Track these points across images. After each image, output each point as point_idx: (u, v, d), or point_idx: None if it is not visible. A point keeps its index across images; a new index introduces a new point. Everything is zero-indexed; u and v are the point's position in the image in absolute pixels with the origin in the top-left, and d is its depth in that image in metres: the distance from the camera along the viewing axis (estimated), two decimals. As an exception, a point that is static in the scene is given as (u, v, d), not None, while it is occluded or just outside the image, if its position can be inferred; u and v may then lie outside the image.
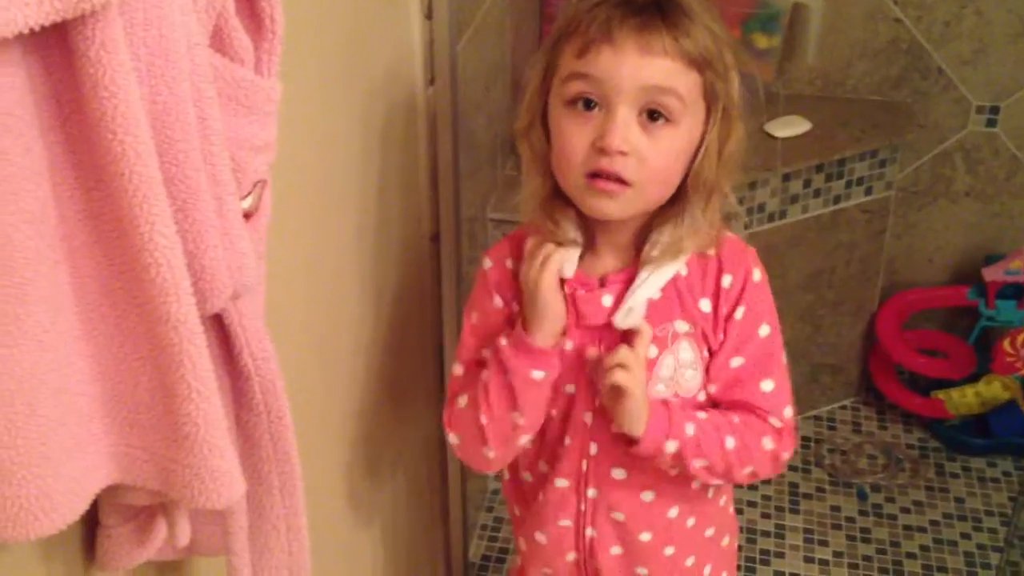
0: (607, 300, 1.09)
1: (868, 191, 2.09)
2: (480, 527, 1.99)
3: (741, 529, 1.99)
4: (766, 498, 2.08)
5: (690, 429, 1.08)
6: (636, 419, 1.06)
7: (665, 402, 1.09)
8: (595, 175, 1.01)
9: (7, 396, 0.51)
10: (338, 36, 1.06)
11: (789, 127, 2.01)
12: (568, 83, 1.01)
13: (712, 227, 1.08)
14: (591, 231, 1.09)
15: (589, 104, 1.00)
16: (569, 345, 1.10)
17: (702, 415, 1.11)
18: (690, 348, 1.11)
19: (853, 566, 1.93)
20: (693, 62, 0.99)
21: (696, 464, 1.09)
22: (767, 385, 1.13)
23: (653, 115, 1.00)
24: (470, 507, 1.81)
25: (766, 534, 2.00)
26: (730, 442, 1.10)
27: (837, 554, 1.95)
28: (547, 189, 1.08)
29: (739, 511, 2.02)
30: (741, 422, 1.11)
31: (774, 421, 1.13)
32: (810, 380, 2.24)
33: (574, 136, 1.01)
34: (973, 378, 2.20)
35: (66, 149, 0.52)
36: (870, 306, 2.25)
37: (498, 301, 1.13)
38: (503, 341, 1.09)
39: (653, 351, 1.10)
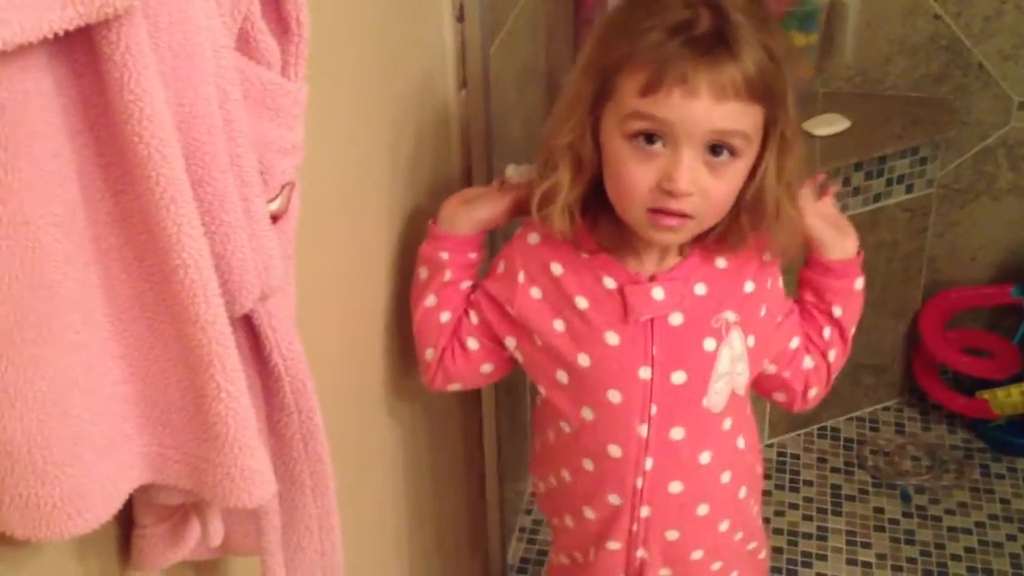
0: (658, 293, 1.09)
1: (909, 189, 2.06)
2: (519, 529, 1.99)
3: (783, 531, 1.97)
4: (808, 500, 2.06)
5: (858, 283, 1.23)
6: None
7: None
8: (657, 211, 1.01)
9: (39, 396, 0.52)
10: (369, 39, 1.06)
11: (828, 125, 2.00)
12: (631, 120, 1.00)
13: (791, 238, 1.11)
14: (629, 238, 1.10)
15: (651, 138, 0.99)
16: (615, 340, 1.10)
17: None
18: (739, 338, 1.12)
19: (897, 568, 1.90)
20: (757, 95, 0.99)
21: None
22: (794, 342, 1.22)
23: (716, 150, 1.00)
24: (508, 509, 1.81)
25: (808, 536, 1.98)
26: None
27: (880, 556, 1.93)
28: (578, 195, 1.08)
29: (780, 513, 2.01)
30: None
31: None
32: (852, 381, 2.22)
33: (637, 173, 1.01)
34: (1018, 377, 2.17)
35: (94, 152, 0.53)
36: (913, 305, 2.22)
37: (502, 266, 1.17)
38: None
39: (711, 344, 1.11)
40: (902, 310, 2.21)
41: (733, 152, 1.00)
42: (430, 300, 1.17)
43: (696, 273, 1.11)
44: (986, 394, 2.17)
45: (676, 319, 1.10)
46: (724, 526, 1.19)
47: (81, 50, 0.50)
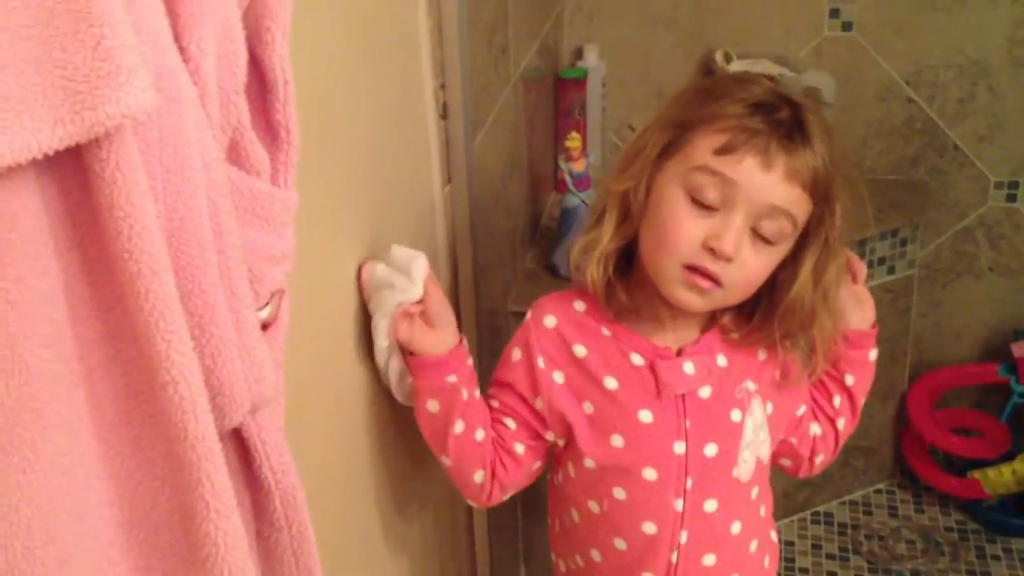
0: (689, 367, 1.10)
1: (891, 270, 2.08)
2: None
3: (780, 621, 1.94)
4: (804, 588, 2.03)
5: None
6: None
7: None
8: (693, 268, 1.03)
9: (24, 523, 0.50)
10: (357, 140, 1.07)
11: (808, 210, 2.01)
12: (698, 174, 1.02)
13: (824, 345, 1.12)
14: (652, 304, 1.11)
15: (705, 204, 1.02)
16: (648, 418, 1.10)
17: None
18: (759, 407, 1.14)
19: (898, 657, 1.87)
20: (816, 192, 1.03)
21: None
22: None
23: (758, 232, 1.02)
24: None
25: (806, 626, 1.94)
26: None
27: (880, 645, 1.90)
28: (616, 248, 1.10)
29: (777, 602, 1.97)
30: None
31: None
32: (843, 464, 2.20)
33: (688, 226, 1.02)
34: (1009, 456, 2.16)
35: (82, 270, 0.52)
36: (900, 386, 2.22)
37: (517, 354, 1.15)
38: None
39: (737, 415, 1.12)
40: (890, 391, 2.20)
41: (775, 243, 1.03)
42: (458, 427, 1.12)
43: (716, 345, 1.13)
44: (977, 474, 2.16)
45: (705, 392, 1.11)
46: None
47: (70, 167, 0.50)
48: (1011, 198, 2.15)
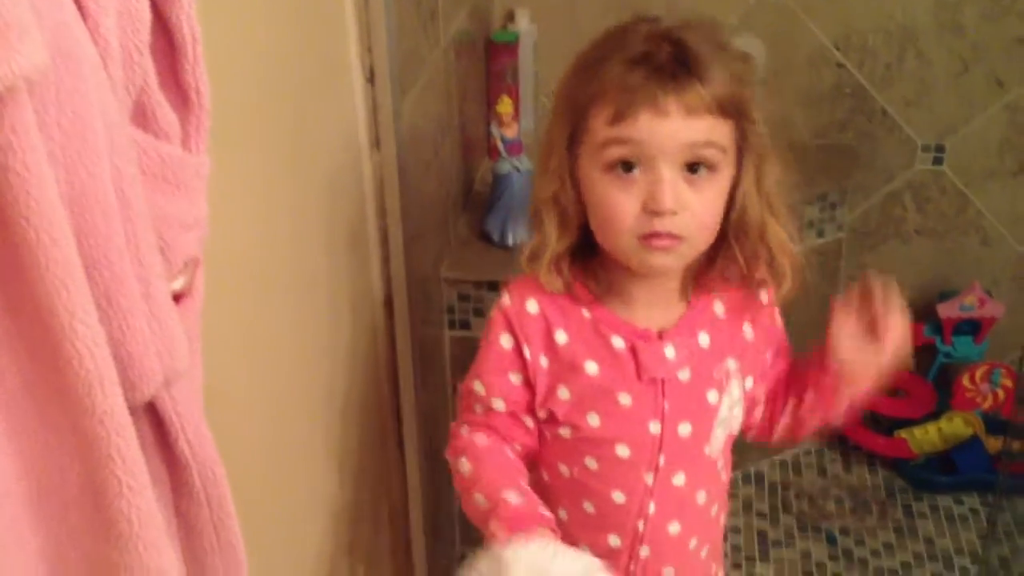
0: (670, 351, 1.09)
1: (820, 234, 2.09)
2: (447, 593, 1.94)
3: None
4: (736, 548, 2.05)
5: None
6: None
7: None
8: (647, 236, 1.01)
9: (-79, 503, 0.48)
10: (277, 103, 1.04)
11: (738, 174, 2.02)
12: (607, 149, 1.01)
13: (783, 257, 1.10)
14: (625, 285, 1.09)
15: (628, 166, 1.01)
16: (627, 400, 1.09)
17: None
18: (737, 385, 1.14)
19: (827, 613, 1.91)
20: (725, 111, 1.01)
21: None
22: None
23: (693, 167, 1.01)
24: (437, 574, 1.76)
25: (738, 585, 1.97)
26: None
27: (810, 602, 1.93)
28: (566, 247, 1.09)
29: (709, 563, 1.99)
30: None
31: None
32: (773, 425, 2.23)
33: (621, 201, 1.01)
34: (934, 415, 2.20)
35: (-22, 238, 0.50)
36: (829, 348, 2.24)
37: (507, 340, 1.11)
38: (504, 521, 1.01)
39: (714, 396, 1.12)
40: (819, 353, 2.23)
41: (710, 166, 1.01)
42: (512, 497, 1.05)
43: (698, 323, 1.12)
44: (904, 433, 2.21)
45: (684, 374, 1.10)
46: (704, 552, 1.20)
47: (-39, 131, 0.47)
48: (938, 161, 2.19)
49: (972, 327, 2.18)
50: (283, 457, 1.12)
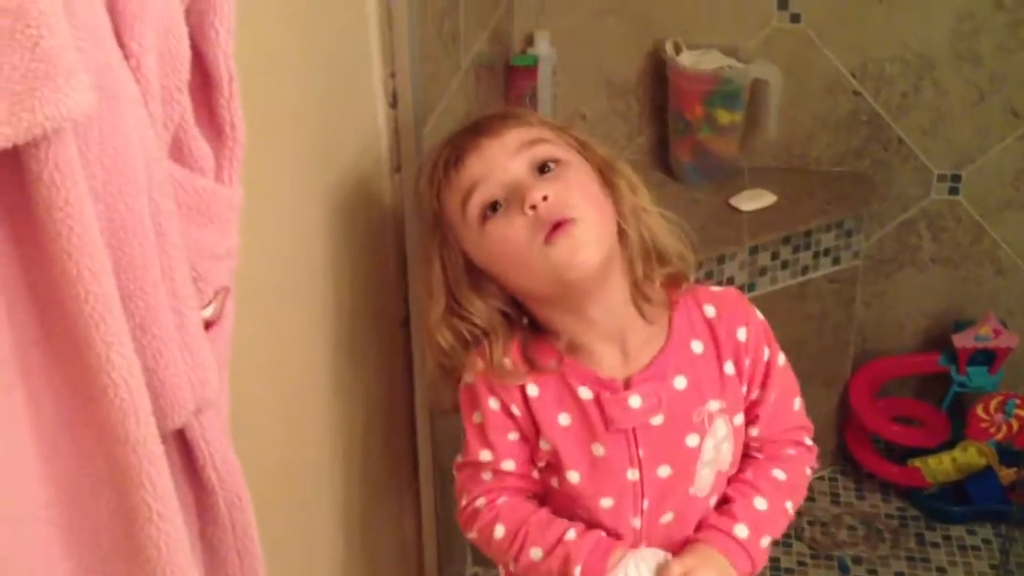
0: (635, 401, 1.09)
1: (835, 261, 2.10)
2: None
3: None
4: (747, 574, 2.05)
5: (764, 542, 1.12)
6: None
7: (735, 540, 1.11)
8: (548, 235, 1.02)
9: (-41, 528, 0.49)
10: (305, 130, 1.06)
11: (754, 200, 2.03)
12: (466, 208, 1.06)
13: (675, 258, 1.12)
14: (581, 334, 1.10)
15: (494, 207, 1.05)
16: (601, 451, 1.09)
17: (761, 504, 1.13)
18: (724, 424, 1.13)
19: (838, 642, 1.90)
20: (537, 122, 1.09)
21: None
22: (796, 404, 1.20)
23: (542, 168, 1.05)
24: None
25: (749, 612, 1.97)
26: (790, 506, 1.16)
27: (821, 630, 1.93)
28: (508, 332, 1.10)
29: (720, 589, 1.99)
30: (788, 473, 1.17)
31: (808, 440, 1.21)
32: (786, 451, 2.23)
33: (507, 231, 1.04)
34: (948, 445, 2.20)
35: (20, 270, 0.51)
36: (843, 375, 2.25)
37: (494, 403, 1.12)
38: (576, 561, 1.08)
39: (694, 440, 1.11)
40: (832, 380, 2.23)
41: (556, 160, 1.06)
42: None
43: (673, 365, 1.10)
44: (918, 462, 2.20)
45: (657, 420, 1.10)
46: None
47: (8, 168, 0.49)
48: (953, 191, 2.19)
49: (987, 357, 2.18)
50: (295, 483, 1.13)
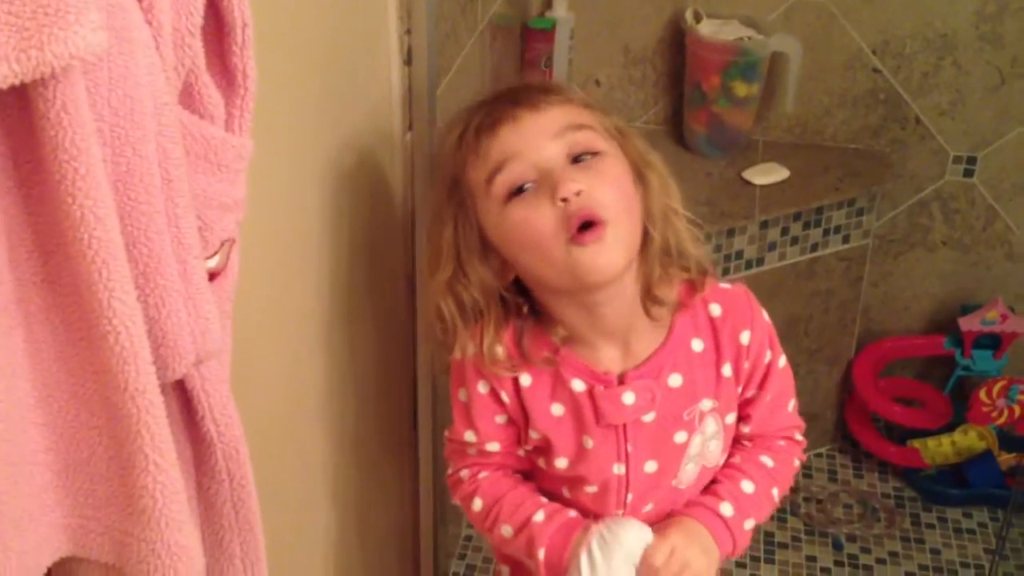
0: (629, 398, 1.07)
1: (845, 239, 2.09)
2: (452, 575, 1.95)
3: (716, 579, 1.97)
4: (741, 547, 2.06)
5: (748, 524, 1.11)
6: (709, 568, 1.08)
7: (720, 518, 1.10)
8: (575, 233, 0.97)
9: (-46, 469, 0.49)
10: (316, 84, 1.04)
11: (767, 175, 2.01)
12: (492, 184, 1.01)
13: (688, 246, 1.08)
14: (582, 326, 1.07)
15: (522, 189, 1.00)
16: (591, 444, 1.08)
17: (748, 487, 1.12)
18: (714, 422, 1.11)
19: (828, 618, 1.91)
20: (580, 102, 1.04)
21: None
22: (791, 405, 1.18)
23: (577, 158, 1.00)
24: (441, 555, 1.78)
25: (741, 585, 1.98)
26: (776, 492, 1.15)
27: (812, 606, 1.93)
28: (499, 316, 1.07)
29: (714, 561, 1.99)
30: (776, 461, 1.15)
31: (798, 436, 1.19)
32: (786, 428, 2.23)
33: (532, 216, 0.99)
34: (949, 427, 2.20)
35: (23, 211, 0.50)
36: (847, 354, 2.24)
37: (483, 387, 1.11)
38: (541, 547, 1.08)
39: (682, 437, 1.10)
40: (836, 358, 2.23)
41: (594, 151, 1.01)
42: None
43: (670, 362, 1.08)
44: (917, 443, 2.20)
45: (648, 417, 1.08)
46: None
47: (14, 106, 0.48)
48: (968, 173, 2.17)
49: (993, 341, 2.17)
50: (296, 437, 1.12)
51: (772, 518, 2.12)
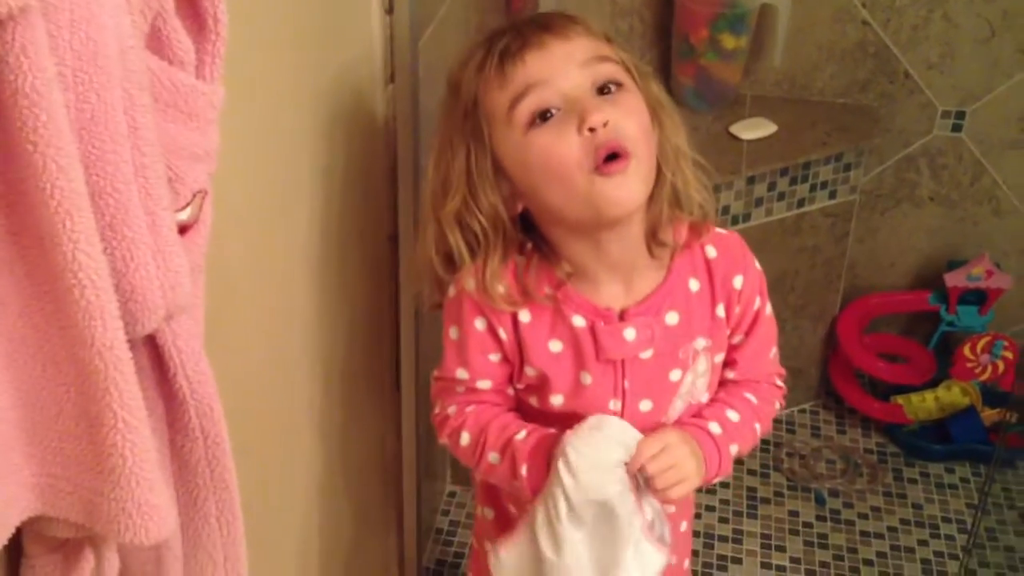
0: (630, 334, 1.08)
1: (832, 195, 2.07)
2: (436, 531, 1.95)
3: (699, 534, 1.97)
4: (724, 503, 2.06)
5: (733, 449, 1.13)
6: (697, 474, 1.08)
7: (709, 434, 1.11)
8: (601, 162, 0.97)
9: (-86, 427, 0.47)
10: (292, 32, 1.02)
11: (754, 129, 1.99)
12: (515, 109, 0.99)
13: (697, 195, 1.08)
14: (587, 262, 1.07)
15: (545, 115, 0.99)
16: (588, 380, 1.09)
17: (733, 416, 1.14)
18: (705, 360, 1.13)
19: (810, 573, 1.92)
20: (603, 36, 1.03)
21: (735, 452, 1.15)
22: (772, 352, 1.20)
23: (602, 89, 1.00)
24: (425, 510, 1.77)
25: (724, 539, 1.98)
26: (758, 427, 1.17)
27: (794, 560, 1.94)
28: (505, 248, 1.06)
29: (697, 516, 2.01)
30: (759, 399, 1.17)
31: (779, 382, 1.21)
32: (770, 383, 2.23)
33: (556, 143, 0.98)
34: (933, 383, 2.20)
35: (-18, 160, 0.48)
36: (832, 310, 2.24)
37: (480, 323, 1.10)
38: (523, 465, 1.08)
39: (676, 375, 1.11)
40: (821, 314, 2.22)
41: (617, 83, 1.01)
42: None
43: (668, 300, 1.09)
44: (900, 399, 2.20)
45: (646, 354, 1.09)
46: (684, 526, 1.24)
47: (-32, 49, 0.46)
48: (957, 128, 2.15)
49: (978, 298, 2.17)
50: (278, 394, 1.11)
51: (755, 473, 2.13)
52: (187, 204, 0.61)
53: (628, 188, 0.99)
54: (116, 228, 0.52)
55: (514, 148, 1.01)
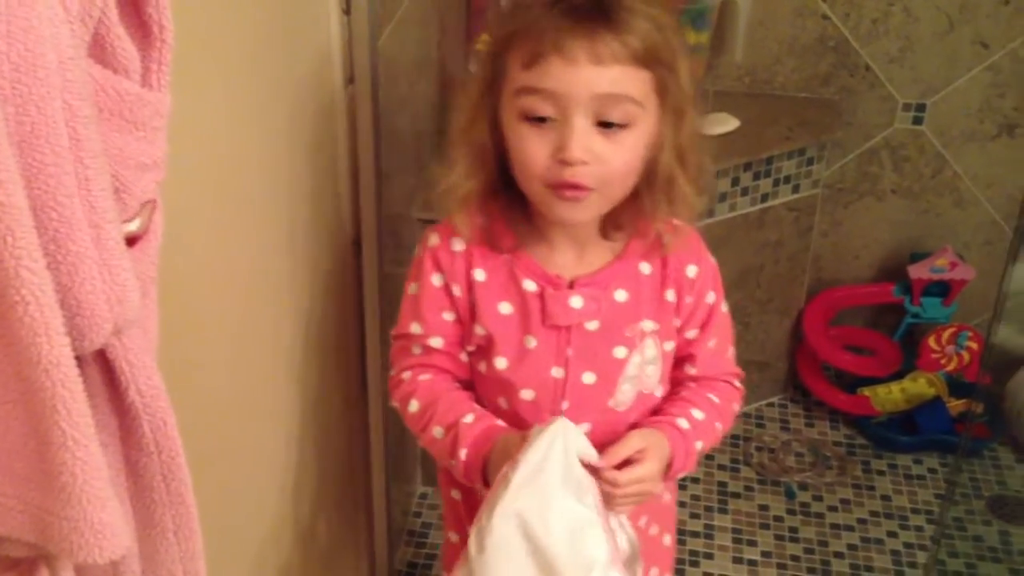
0: (576, 302, 1.10)
1: (795, 189, 2.08)
2: (407, 533, 1.95)
3: (670, 531, 1.97)
4: (695, 498, 2.07)
5: (699, 445, 1.14)
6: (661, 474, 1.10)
7: (678, 429, 1.12)
8: (557, 188, 1.01)
9: None
10: (247, 35, 1.00)
11: (717, 125, 1.99)
12: (520, 97, 1.01)
13: (684, 212, 1.09)
14: (545, 229, 1.11)
15: (542, 117, 1.00)
16: (533, 343, 1.11)
17: (698, 414, 1.15)
18: (654, 345, 1.14)
19: (781, 566, 1.92)
20: (642, 61, 0.99)
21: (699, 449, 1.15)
22: (730, 351, 1.22)
23: (607, 124, 1.00)
24: (396, 512, 1.76)
25: (695, 535, 1.98)
26: (719, 426, 1.18)
27: (765, 554, 1.95)
28: (483, 186, 1.08)
29: (668, 512, 2.00)
30: (720, 399, 1.18)
31: (738, 383, 1.22)
32: (739, 378, 2.23)
33: (533, 148, 1.01)
34: (899, 375, 2.22)
35: (-81, 176, 0.47)
36: (797, 304, 2.25)
37: (437, 279, 1.12)
38: (463, 451, 1.08)
39: (622, 352, 1.12)
40: (787, 308, 2.23)
41: (623, 124, 1.00)
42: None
43: (618, 278, 1.12)
44: (867, 391, 2.22)
45: (592, 325, 1.11)
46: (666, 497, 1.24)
47: (-100, 62, 0.44)
48: (917, 120, 2.17)
49: (942, 289, 2.19)
50: (243, 401, 1.10)
51: (725, 468, 2.14)
52: (135, 215, 0.60)
53: (577, 214, 1.05)
54: (60, 242, 0.51)
55: (506, 117, 1.04)
